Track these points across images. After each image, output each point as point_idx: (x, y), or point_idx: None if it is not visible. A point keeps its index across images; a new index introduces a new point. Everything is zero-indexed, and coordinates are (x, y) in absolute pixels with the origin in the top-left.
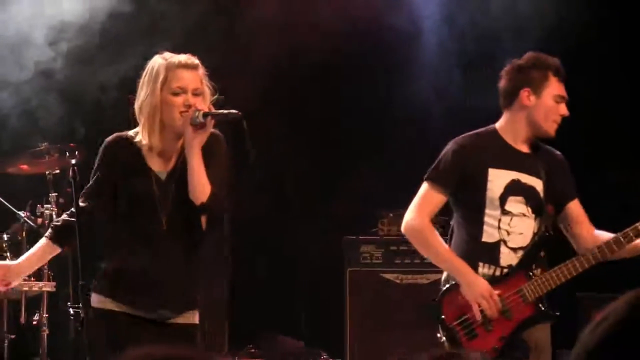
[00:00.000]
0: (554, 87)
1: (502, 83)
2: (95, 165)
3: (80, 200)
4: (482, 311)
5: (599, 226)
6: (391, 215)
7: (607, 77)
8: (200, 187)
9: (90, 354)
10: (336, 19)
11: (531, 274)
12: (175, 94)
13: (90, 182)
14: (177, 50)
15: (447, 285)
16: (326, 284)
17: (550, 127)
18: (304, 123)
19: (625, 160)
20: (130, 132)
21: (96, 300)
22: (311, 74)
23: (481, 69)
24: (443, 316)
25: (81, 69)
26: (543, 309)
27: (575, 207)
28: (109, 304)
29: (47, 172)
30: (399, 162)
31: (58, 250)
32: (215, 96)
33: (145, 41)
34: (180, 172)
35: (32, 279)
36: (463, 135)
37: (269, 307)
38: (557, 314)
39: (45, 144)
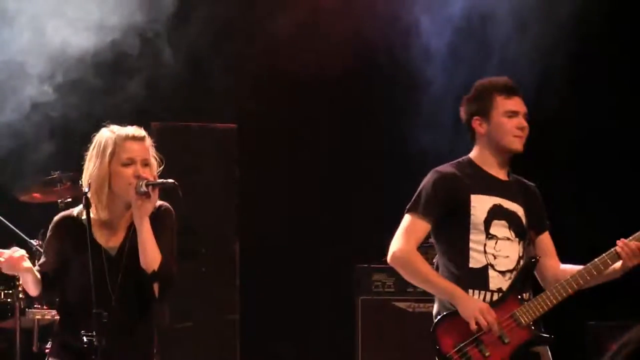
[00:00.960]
0: (501, 105)
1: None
2: (46, 243)
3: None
4: (478, 329)
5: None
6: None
7: None
8: (152, 255)
9: None
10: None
11: (521, 297)
12: (125, 165)
13: (43, 258)
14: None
15: (440, 316)
16: (338, 312)
17: (512, 143)
18: (316, 151)
19: None
20: (75, 211)
21: None
22: (325, 100)
23: None
24: (438, 346)
25: (89, 100)
26: (538, 332)
27: (545, 239)
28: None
29: (59, 201)
30: (413, 191)
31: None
32: (161, 167)
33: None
34: (130, 243)
35: (45, 307)
36: (443, 165)
37: (279, 335)
38: (552, 336)
39: (58, 172)
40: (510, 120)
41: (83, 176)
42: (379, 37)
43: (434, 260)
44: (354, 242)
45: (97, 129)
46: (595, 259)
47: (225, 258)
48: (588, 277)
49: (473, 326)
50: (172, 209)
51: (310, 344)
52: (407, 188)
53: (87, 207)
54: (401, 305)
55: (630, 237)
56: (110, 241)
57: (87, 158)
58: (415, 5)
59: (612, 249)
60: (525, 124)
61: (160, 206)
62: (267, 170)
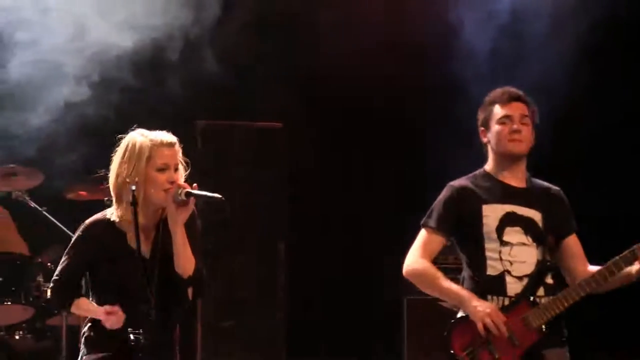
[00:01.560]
0: (497, 113)
1: None
2: (73, 246)
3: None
4: (487, 332)
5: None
6: (448, 244)
7: None
8: (188, 261)
9: None
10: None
11: (533, 300)
12: (160, 170)
13: (62, 266)
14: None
15: (455, 318)
16: (384, 312)
17: (508, 147)
18: (365, 149)
19: None
20: (107, 214)
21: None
22: (372, 97)
23: None
24: (451, 349)
25: (129, 99)
26: (548, 334)
27: (571, 242)
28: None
29: (105, 199)
30: None
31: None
32: (187, 171)
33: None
34: (161, 248)
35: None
36: (458, 179)
37: (325, 336)
38: (565, 339)
39: (103, 170)
40: (504, 126)
41: (111, 178)
42: (421, 35)
43: (459, 276)
44: (402, 242)
45: (139, 127)
46: (609, 262)
47: (272, 257)
48: (601, 281)
49: (481, 328)
50: (195, 212)
51: (356, 343)
52: None
53: (135, 205)
54: (447, 305)
55: None
56: (142, 244)
57: (118, 160)
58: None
59: (627, 252)
60: (517, 127)
61: None
62: (313, 169)
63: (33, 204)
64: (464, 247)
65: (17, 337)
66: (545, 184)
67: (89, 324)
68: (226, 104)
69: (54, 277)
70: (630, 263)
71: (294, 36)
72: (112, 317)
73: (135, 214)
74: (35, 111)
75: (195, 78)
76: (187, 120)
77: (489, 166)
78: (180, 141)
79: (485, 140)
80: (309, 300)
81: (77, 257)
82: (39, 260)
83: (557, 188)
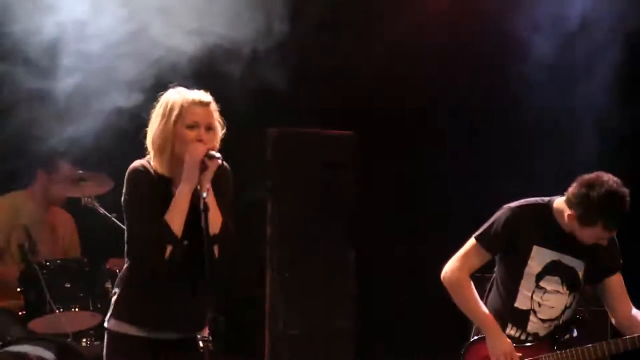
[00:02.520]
0: (597, 232)
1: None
2: (130, 190)
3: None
4: None
5: None
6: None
7: None
8: (213, 219)
9: None
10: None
11: (555, 347)
12: (189, 128)
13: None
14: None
15: (474, 338)
16: (452, 320)
17: (589, 242)
18: (431, 156)
19: None
20: (145, 162)
21: (114, 324)
22: (442, 105)
23: None
24: None
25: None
26: None
27: (614, 281)
28: (126, 328)
29: None
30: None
31: None
32: (223, 130)
33: None
34: (190, 204)
35: None
36: (519, 203)
37: (393, 344)
38: None
39: None
40: (596, 239)
41: (148, 133)
42: (486, 42)
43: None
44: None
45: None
46: (631, 337)
47: (340, 265)
48: (630, 346)
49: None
50: (229, 170)
51: (425, 353)
52: (524, 195)
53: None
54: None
55: None
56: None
57: (152, 117)
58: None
59: None
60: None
61: (220, 167)
62: (382, 177)
63: (103, 210)
64: (502, 270)
65: (84, 343)
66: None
67: (122, 287)
68: (290, 111)
69: (137, 226)
70: None
71: (365, 43)
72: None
73: (204, 218)
74: (95, 117)
75: (259, 85)
76: (254, 128)
77: (557, 205)
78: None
79: (571, 221)
80: (377, 309)
81: (148, 189)
82: (107, 267)
83: (606, 245)
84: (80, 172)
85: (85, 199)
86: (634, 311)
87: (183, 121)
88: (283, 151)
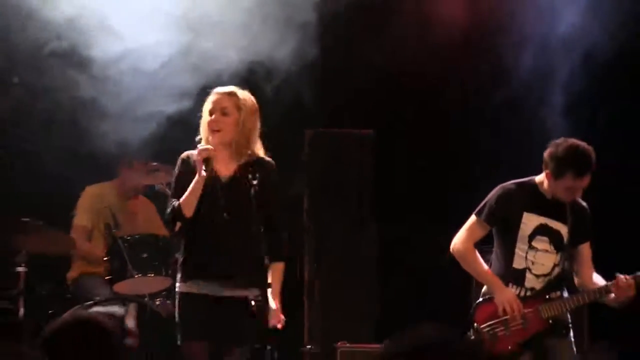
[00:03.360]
0: (567, 180)
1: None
2: (176, 174)
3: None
4: (504, 314)
5: None
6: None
7: None
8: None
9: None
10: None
11: (548, 297)
12: (209, 114)
13: (173, 190)
14: None
15: (482, 298)
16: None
17: (564, 199)
18: (451, 153)
19: None
20: (191, 151)
21: (179, 286)
22: (461, 103)
23: None
24: (474, 320)
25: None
26: (553, 325)
27: (585, 249)
28: (185, 288)
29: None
30: None
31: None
32: (255, 112)
33: None
34: (237, 175)
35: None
36: (508, 182)
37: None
38: (565, 331)
39: None
40: (569, 192)
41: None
42: (502, 46)
43: (489, 258)
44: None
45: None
46: (595, 288)
47: (364, 262)
48: (592, 299)
49: (501, 311)
50: (271, 162)
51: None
52: None
53: None
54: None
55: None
56: (222, 172)
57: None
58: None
59: (605, 285)
60: (578, 195)
61: (260, 160)
62: (404, 175)
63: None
64: (500, 238)
65: (157, 302)
66: (577, 200)
67: (185, 255)
68: (321, 115)
69: (168, 203)
70: (609, 293)
71: (385, 46)
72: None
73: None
74: (160, 119)
75: (293, 95)
76: (293, 129)
77: (539, 180)
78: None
79: (548, 179)
80: (402, 310)
81: (180, 187)
82: (176, 240)
83: (585, 204)
84: (154, 164)
85: (158, 185)
86: (594, 275)
87: (206, 109)
88: (317, 149)
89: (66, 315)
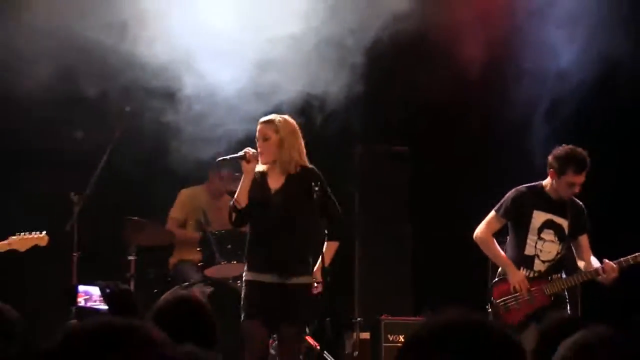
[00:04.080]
0: (569, 176)
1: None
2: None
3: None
4: (515, 291)
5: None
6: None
7: None
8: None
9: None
10: None
11: (551, 278)
12: (257, 140)
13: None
14: None
15: (498, 278)
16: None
17: (567, 195)
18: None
19: None
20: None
21: (244, 274)
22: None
23: None
24: (493, 296)
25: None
26: (555, 300)
27: (583, 239)
28: (249, 276)
29: None
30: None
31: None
32: (287, 134)
33: None
34: (285, 186)
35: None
36: (522, 186)
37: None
38: (564, 305)
39: None
40: (571, 188)
41: None
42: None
43: (504, 247)
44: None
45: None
46: (587, 271)
47: (401, 251)
48: (585, 279)
49: (512, 289)
50: (314, 169)
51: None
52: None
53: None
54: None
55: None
56: (274, 184)
57: None
58: None
59: (594, 269)
60: (577, 191)
61: (307, 168)
62: (432, 183)
63: None
64: (514, 230)
65: (239, 284)
66: (575, 200)
67: (248, 251)
68: (368, 134)
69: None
70: (599, 274)
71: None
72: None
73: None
74: (220, 141)
75: (347, 116)
76: (345, 146)
77: (545, 183)
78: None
79: (552, 177)
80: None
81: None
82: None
83: (581, 203)
84: (237, 174)
85: None
86: (592, 259)
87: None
88: (364, 161)
89: (168, 294)
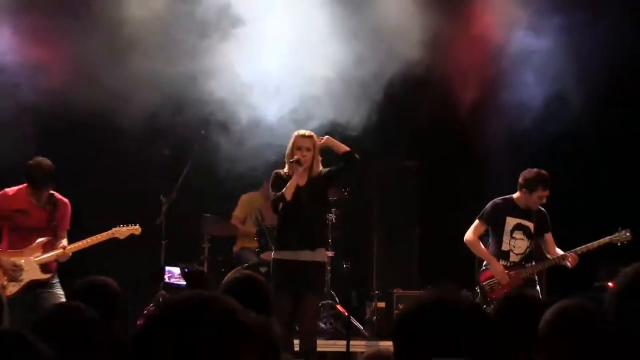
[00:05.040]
0: (538, 193)
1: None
2: (273, 180)
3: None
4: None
5: None
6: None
7: None
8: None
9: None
10: None
11: (524, 265)
12: (298, 149)
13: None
14: None
15: (484, 267)
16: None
17: (536, 206)
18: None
19: None
20: (281, 170)
21: (273, 253)
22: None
23: None
24: (480, 280)
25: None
26: (527, 281)
27: (548, 236)
28: (277, 255)
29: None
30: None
31: None
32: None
33: None
34: (308, 184)
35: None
36: (497, 198)
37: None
38: (534, 285)
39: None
40: (540, 200)
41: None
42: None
43: (487, 245)
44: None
45: None
46: (553, 258)
47: (411, 244)
48: (551, 265)
49: (494, 274)
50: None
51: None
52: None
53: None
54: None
55: (583, 247)
56: (300, 182)
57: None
58: None
59: (561, 255)
60: (545, 202)
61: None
62: (437, 191)
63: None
64: (493, 232)
65: None
66: (540, 208)
67: (277, 234)
68: (385, 152)
69: (273, 195)
70: (563, 260)
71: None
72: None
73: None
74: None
75: (365, 138)
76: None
77: (515, 196)
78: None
79: (522, 192)
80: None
81: (279, 181)
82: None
83: (543, 210)
84: None
85: None
86: (557, 250)
87: (295, 145)
88: (381, 173)
89: (233, 272)
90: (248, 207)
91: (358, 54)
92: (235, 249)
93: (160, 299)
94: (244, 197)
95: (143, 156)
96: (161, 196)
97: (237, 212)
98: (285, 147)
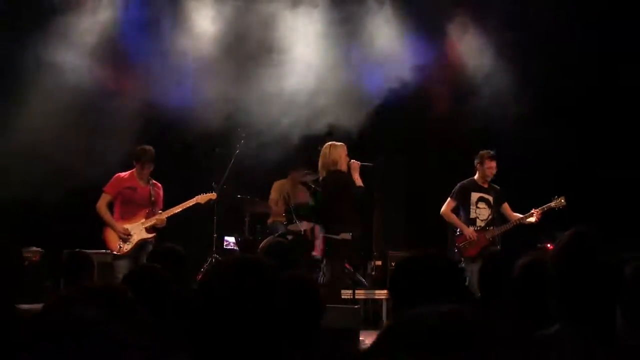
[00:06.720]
0: (487, 163)
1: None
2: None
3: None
4: (468, 239)
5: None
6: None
7: None
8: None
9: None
10: None
11: (488, 228)
12: (345, 154)
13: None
14: None
15: (458, 233)
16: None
17: (489, 177)
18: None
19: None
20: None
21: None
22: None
23: None
24: (456, 242)
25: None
26: (491, 241)
27: (505, 205)
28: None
29: None
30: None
31: None
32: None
33: None
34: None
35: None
36: (464, 180)
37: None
38: (497, 244)
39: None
40: (490, 169)
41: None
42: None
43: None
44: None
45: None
46: (516, 218)
47: (400, 221)
48: (514, 224)
49: (467, 237)
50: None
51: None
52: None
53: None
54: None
55: (541, 208)
56: None
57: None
58: None
59: (527, 214)
60: (494, 171)
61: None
62: (423, 181)
63: (313, 185)
64: (462, 206)
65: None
66: (494, 185)
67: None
68: (379, 150)
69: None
70: (530, 217)
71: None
72: None
73: None
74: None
75: (362, 140)
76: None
77: (476, 177)
78: (382, 167)
79: (478, 168)
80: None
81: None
82: None
83: (497, 186)
84: (306, 171)
85: (309, 182)
86: (515, 214)
87: (344, 151)
88: (378, 168)
89: (268, 239)
90: (279, 191)
91: (357, 73)
92: (269, 222)
93: (214, 260)
94: (276, 184)
95: (202, 155)
96: (213, 183)
97: (272, 195)
98: (301, 145)
